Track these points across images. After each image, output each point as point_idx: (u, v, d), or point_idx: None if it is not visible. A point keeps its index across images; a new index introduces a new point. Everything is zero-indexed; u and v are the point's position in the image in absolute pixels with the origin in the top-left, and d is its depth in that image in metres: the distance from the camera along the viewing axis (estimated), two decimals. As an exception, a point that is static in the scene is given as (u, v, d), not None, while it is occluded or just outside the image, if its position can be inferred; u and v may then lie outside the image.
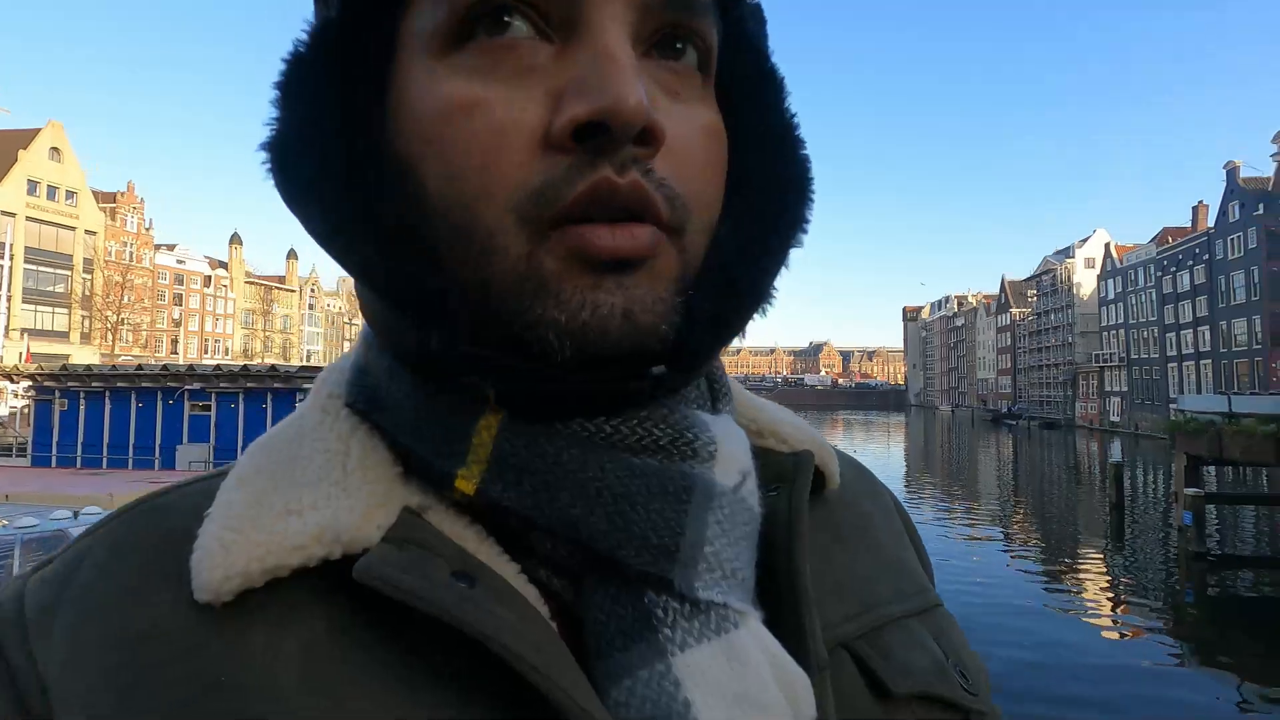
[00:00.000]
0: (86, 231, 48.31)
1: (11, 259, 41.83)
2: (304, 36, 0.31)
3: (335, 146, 0.30)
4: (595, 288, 0.28)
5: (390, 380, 0.33)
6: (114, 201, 52.86)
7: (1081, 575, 12.96)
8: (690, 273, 0.31)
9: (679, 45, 0.31)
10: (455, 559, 0.29)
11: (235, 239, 67.18)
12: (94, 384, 18.56)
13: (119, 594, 0.30)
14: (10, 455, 20.55)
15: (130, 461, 17.54)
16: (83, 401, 18.45)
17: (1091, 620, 10.37)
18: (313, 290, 77.98)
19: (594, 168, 0.28)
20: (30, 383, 19.73)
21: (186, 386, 17.93)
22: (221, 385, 17.80)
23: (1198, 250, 45.55)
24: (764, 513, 0.34)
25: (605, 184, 0.28)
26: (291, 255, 75.18)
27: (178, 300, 59.93)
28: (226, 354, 61.43)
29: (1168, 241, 51.16)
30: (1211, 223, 44.81)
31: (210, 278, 63.28)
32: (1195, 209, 49.47)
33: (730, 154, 0.34)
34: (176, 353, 56.98)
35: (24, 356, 33.13)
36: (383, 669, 0.28)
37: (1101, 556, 14.59)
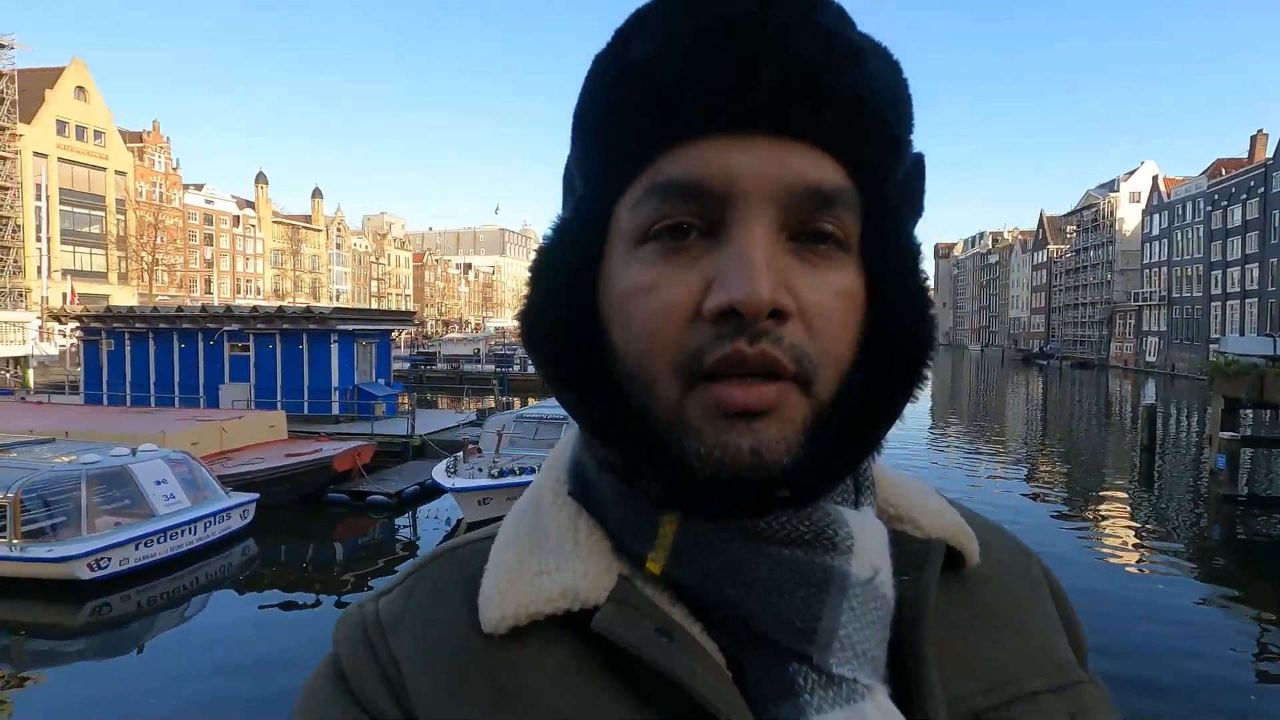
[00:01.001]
0: (116, 172, 48.75)
1: (48, 200, 42.53)
2: (549, 232, 0.42)
3: (565, 316, 0.40)
4: (728, 430, 0.36)
5: (599, 477, 0.42)
6: (140, 141, 53.05)
7: (1108, 517, 13.03)
8: (821, 411, 0.38)
9: (822, 235, 0.38)
10: (657, 618, 0.38)
11: (261, 178, 67.41)
12: (137, 325, 19.11)
13: (441, 619, 0.41)
14: (63, 392, 21.43)
15: (176, 400, 18.23)
16: (128, 342, 19.06)
17: (1114, 561, 10.49)
18: (339, 230, 78.44)
19: (731, 340, 0.35)
20: (77, 324, 20.37)
21: (225, 328, 18.41)
22: (258, 327, 18.24)
23: (1252, 183, 43.40)
24: (897, 597, 0.39)
25: (737, 354, 0.35)
26: (316, 194, 75.43)
27: (208, 240, 60.79)
28: (258, 294, 62.60)
29: (1220, 174, 48.77)
30: (1270, 154, 42.49)
31: (239, 218, 63.89)
32: (1253, 139, 46.87)
33: (870, 313, 0.39)
34: (211, 293, 58.17)
35: (69, 297, 34.10)
36: (614, 694, 0.37)
37: (1129, 499, 14.62)
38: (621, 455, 0.39)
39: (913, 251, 0.41)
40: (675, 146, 0.36)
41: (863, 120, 0.37)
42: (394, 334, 23.79)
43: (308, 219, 74.70)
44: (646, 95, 0.37)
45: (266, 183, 67.38)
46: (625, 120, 0.38)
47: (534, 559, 0.40)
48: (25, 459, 9.46)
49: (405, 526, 12.33)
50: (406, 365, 29.14)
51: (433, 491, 12.19)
